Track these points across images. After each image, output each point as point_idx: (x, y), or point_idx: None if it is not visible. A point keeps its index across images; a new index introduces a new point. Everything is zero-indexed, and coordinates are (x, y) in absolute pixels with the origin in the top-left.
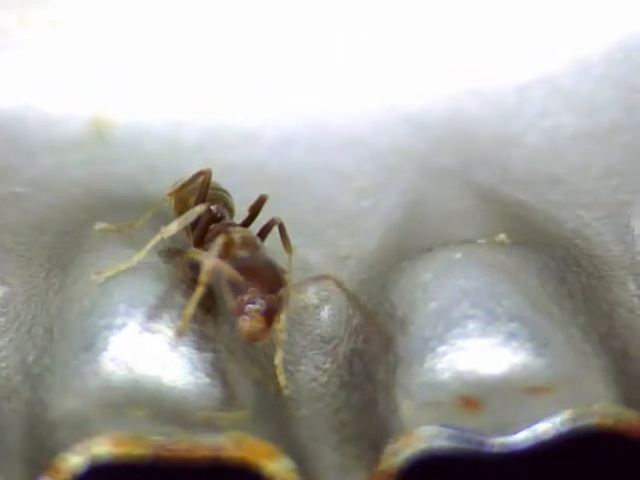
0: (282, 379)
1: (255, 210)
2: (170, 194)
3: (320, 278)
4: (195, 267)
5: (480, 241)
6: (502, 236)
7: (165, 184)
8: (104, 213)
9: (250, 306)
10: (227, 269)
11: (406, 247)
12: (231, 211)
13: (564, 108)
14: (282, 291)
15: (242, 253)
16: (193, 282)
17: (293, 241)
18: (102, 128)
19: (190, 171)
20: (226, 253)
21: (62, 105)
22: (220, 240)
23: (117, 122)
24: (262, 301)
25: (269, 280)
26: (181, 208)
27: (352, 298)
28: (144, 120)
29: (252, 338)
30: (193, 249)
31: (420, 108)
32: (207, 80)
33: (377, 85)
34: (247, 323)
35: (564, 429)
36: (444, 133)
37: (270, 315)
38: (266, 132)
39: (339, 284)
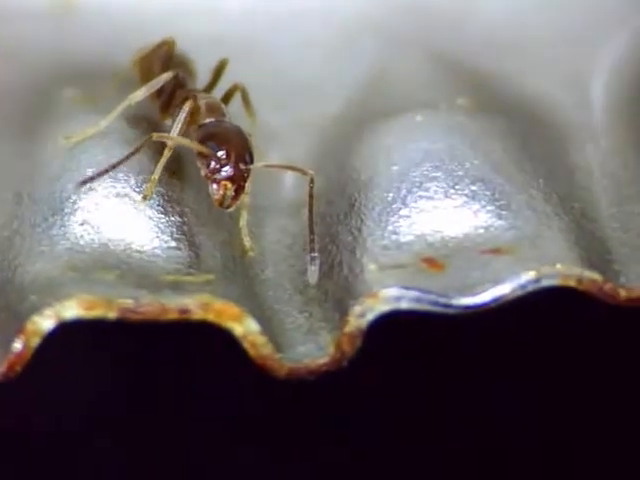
0: (247, 241)
1: (217, 74)
2: (135, 62)
3: (292, 168)
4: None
5: (441, 105)
6: (462, 100)
7: (131, 54)
8: (71, 82)
9: (221, 174)
10: (194, 145)
11: (368, 113)
12: (194, 79)
13: None
14: (249, 158)
15: (209, 119)
16: (160, 146)
17: (255, 106)
18: None
19: (155, 41)
20: (193, 119)
21: None
22: (187, 106)
23: None
24: (232, 169)
25: (238, 146)
26: (146, 76)
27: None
28: None
29: (223, 206)
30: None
31: None
32: None
33: None
34: (218, 191)
35: (527, 289)
36: (405, 0)
37: (240, 183)
38: (229, 1)
39: (310, 180)
